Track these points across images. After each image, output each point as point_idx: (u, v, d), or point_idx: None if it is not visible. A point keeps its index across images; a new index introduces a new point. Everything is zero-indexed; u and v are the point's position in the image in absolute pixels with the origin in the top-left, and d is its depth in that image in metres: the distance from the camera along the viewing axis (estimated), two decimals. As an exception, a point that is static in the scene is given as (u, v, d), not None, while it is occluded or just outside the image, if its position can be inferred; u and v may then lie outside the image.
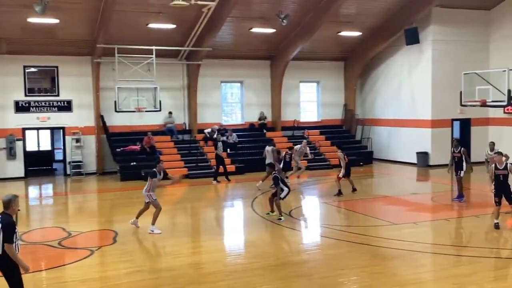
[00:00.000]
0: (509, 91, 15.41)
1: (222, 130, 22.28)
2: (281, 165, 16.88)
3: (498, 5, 21.87)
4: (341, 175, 15.65)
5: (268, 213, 12.77)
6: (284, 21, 19.44)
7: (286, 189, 12.40)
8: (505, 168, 10.98)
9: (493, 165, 11.16)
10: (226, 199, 16.77)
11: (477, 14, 22.02)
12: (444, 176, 17.60)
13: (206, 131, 22.11)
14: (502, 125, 21.88)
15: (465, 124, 22.65)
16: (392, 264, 8.97)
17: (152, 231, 11.19)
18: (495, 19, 22.05)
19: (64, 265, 9.26)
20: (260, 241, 10.78)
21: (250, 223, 12.72)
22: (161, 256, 9.90)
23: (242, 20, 20.38)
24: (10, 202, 6.21)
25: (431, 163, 21.98)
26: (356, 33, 22.61)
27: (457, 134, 23.19)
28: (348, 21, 21.51)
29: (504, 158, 11.34)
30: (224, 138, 21.66)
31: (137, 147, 20.88)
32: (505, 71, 15.77)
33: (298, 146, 19.00)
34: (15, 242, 6.12)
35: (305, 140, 19.88)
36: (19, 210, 6.59)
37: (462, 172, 14.40)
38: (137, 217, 11.72)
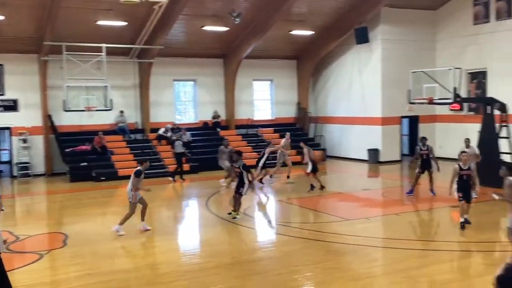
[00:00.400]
0: (454, 88, 15.99)
1: (176, 129, 22.06)
2: (261, 163, 17.10)
3: (443, 5, 22.62)
4: (308, 170, 15.79)
5: (231, 213, 12.45)
6: (236, 19, 19.43)
7: (246, 184, 12.30)
8: (469, 168, 10.79)
9: (457, 165, 10.74)
10: (181, 199, 16.62)
11: (424, 14, 22.72)
12: (393, 172, 18.06)
13: (160, 130, 21.85)
14: (449, 122, 22.66)
15: (414, 121, 23.34)
16: (346, 259, 9.13)
17: (118, 230, 10.95)
18: (441, 19, 22.80)
19: (12, 270, 8.91)
20: (215, 240, 10.74)
21: (205, 222, 12.65)
22: (114, 258, 9.68)
23: (194, 18, 20.23)
24: None
25: (381, 159, 22.52)
26: (308, 32, 22.87)
27: (406, 131, 23.90)
28: (299, 20, 21.73)
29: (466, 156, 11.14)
30: (175, 137, 21.48)
31: (87, 147, 20.38)
32: (450, 69, 16.36)
33: (284, 140, 18.88)
34: None
35: (288, 133, 19.64)
36: (2, 210, 6.26)
37: (433, 169, 14.39)
38: (142, 220, 11.42)
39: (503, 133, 15.77)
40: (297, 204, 14.42)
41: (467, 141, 14.08)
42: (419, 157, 14.62)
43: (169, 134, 21.63)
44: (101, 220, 13.22)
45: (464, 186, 10.75)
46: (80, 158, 19.90)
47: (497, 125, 15.97)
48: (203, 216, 13.50)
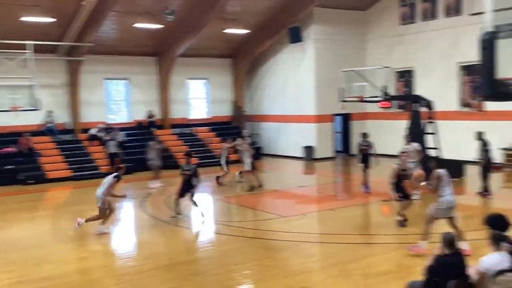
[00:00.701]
0: (384, 87, 16.55)
1: (109, 129, 21.44)
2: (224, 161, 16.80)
3: (372, 6, 23.37)
4: (247, 168, 15.72)
5: (175, 216, 12.10)
6: (170, 17, 19.15)
7: (196, 187, 12.12)
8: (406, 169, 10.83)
9: (397, 165, 10.68)
10: (115, 200, 16.10)
11: (355, 14, 23.37)
12: (328, 168, 18.44)
13: (92, 130, 21.17)
14: (379, 119, 23.44)
15: (346, 119, 23.96)
16: (283, 256, 9.22)
17: (102, 232, 10.77)
18: (370, 19, 23.55)
19: None
20: (152, 241, 10.53)
21: (141, 224, 12.38)
22: (46, 264, 9.24)
23: (126, 15, 19.74)
24: None
25: (316, 156, 22.96)
26: (242, 31, 22.94)
27: (339, 129, 24.50)
28: (234, 18, 21.74)
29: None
30: (108, 137, 20.90)
31: (13, 149, 19.39)
32: (380, 68, 16.94)
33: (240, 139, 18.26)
34: None
35: (245, 131, 19.40)
36: None
37: (370, 164, 14.73)
38: (102, 224, 10.98)
39: (429, 129, 16.49)
40: (235, 202, 14.41)
41: (408, 137, 13.97)
42: (359, 152, 14.93)
43: (101, 134, 21.00)
44: (30, 225, 12.60)
45: (403, 186, 10.79)
46: (5, 160, 18.92)
47: (423, 121, 16.68)
48: (139, 217, 13.20)
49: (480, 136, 13.99)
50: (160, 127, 23.51)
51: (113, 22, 20.11)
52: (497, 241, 5.79)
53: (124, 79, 23.43)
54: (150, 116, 23.34)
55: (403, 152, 11.49)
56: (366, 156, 14.78)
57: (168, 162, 19.38)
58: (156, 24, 20.49)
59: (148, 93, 23.58)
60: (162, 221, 12.12)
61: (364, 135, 15.07)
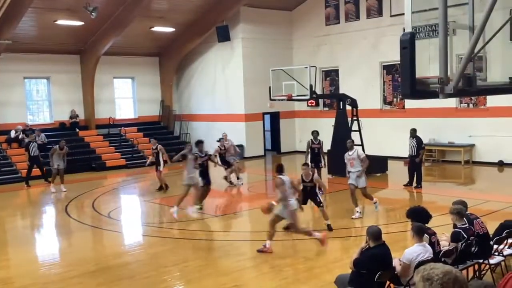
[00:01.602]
0: (311, 86, 16.90)
1: (28, 131, 20.42)
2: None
3: (298, 6, 23.81)
4: (162, 168, 15.40)
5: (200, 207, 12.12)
6: (92, 13, 18.51)
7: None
8: (311, 180, 10.41)
9: (300, 178, 10.38)
10: (37, 205, 15.40)
11: (281, 14, 23.69)
12: (258, 167, 18.58)
13: (12, 133, 20.07)
14: (306, 117, 23.94)
15: (275, 117, 24.27)
16: (215, 255, 9.19)
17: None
18: (296, 20, 23.97)
19: None
20: (77, 247, 10.14)
21: (65, 229, 11.88)
22: (-41, 277, 8.67)
23: (46, 11, 18.85)
24: None
25: (246, 155, 23.08)
26: (169, 29, 22.61)
27: (268, 127, 24.77)
28: (160, 16, 21.38)
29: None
30: (27, 139, 19.92)
31: None
32: (306, 67, 17.27)
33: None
34: None
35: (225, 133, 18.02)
36: None
37: (322, 164, 14.22)
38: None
39: (355, 126, 17.05)
40: (164, 203, 14.17)
41: (350, 142, 12.01)
42: (310, 151, 14.32)
43: (20, 136, 19.97)
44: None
45: (306, 198, 10.39)
46: None
47: (349, 119, 17.22)
48: (63, 222, 12.65)
49: (415, 133, 14.66)
50: (84, 127, 22.69)
51: (32, 18, 19.15)
52: (419, 233, 6.07)
53: (45, 78, 22.39)
54: (73, 116, 22.46)
55: (303, 165, 10.91)
56: (317, 155, 14.26)
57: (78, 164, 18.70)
58: (78, 21, 19.74)
59: (71, 92, 22.66)
60: (87, 225, 11.70)
61: (315, 133, 14.46)
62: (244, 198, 15.14)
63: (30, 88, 22.48)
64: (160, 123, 25.19)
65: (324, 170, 15.20)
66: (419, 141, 14.54)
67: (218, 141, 17.04)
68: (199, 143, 13.33)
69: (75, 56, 22.63)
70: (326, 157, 14.69)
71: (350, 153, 11.46)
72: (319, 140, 14.41)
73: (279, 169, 9.18)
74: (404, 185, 14.68)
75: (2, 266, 9.18)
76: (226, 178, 16.18)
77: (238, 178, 16.48)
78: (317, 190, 10.68)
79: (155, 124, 24.97)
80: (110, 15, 20.29)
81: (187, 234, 10.61)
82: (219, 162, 15.62)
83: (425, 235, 6.25)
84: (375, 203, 11.54)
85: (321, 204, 10.46)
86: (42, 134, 20.44)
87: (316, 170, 13.45)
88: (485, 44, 4.61)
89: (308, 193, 10.45)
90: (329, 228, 10.28)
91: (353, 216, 11.18)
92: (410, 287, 5.71)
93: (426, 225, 6.55)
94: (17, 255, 9.76)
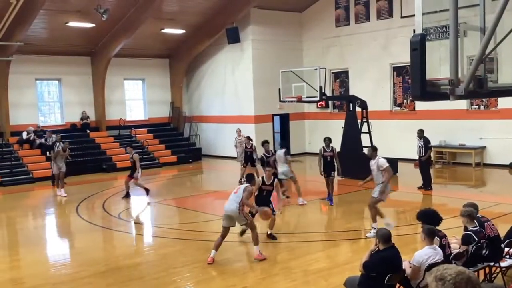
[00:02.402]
0: (320, 87, 16.89)
1: (40, 132, 20.59)
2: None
3: (308, 8, 23.79)
4: (139, 176, 14.95)
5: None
6: (103, 15, 18.62)
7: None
8: (272, 184, 10.01)
9: (260, 179, 10.11)
10: (47, 206, 15.50)
11: (291, 16, 23.69)
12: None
13: (24, 134, 20.25)
14: (316, 119, 23.90)
15: (285, 119, 24.25)
16: (223, 257, 9.17)
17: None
18: (306, 21, 23.96)
19: None
20: (88, 248, 10.19)
21: (76, 230, 11.95)
22: (-29, 276, 8.76)
23: (57, 13, 19.00)
24: None
25: (255, 156, 23.02)
26: (180, 31, 22.69)
27: (277, 128, 24.75)
28: (170, 18, 21.46)
29: None
30: (42, 140, 20.09)
31: None
32: (316, 69, 17.26)
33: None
34: None
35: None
36: None
37: (334, 173, 13.00)
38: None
39: (365, 128, 16.99)
40: (173, 204, 14.21)
41: (370, 150, 10.63)
42: (322, 160, 12.99)
43: (32, 137, 20.15)
44: None
45: (263, 202, 9.89)
46: None
47: (359, 121, 17.17)
48: (74, 223, 12.74)
49: (422, 134, 14.59)
50: (95, 129, 22.83)
51: (44, 20, 19.32)
52: (429, 235, 6.04)
53: (56, 79, 22.57)
54: (84, 117, 22.61)
55: (267, 167, 10.80)
56: (330, 163, 12.87)
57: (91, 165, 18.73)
58: (89, 23, 19.88)
59: (82, 94, 22.82)
60: (98, 226, 11.77)
61: (327, 140, 13.18)
62: (252, 200, 15.11)
63: (41, 90, 22.66)
64: (170, 125, 25.28)
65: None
66: (426, 141, 14.46)
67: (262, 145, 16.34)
68: (265, 143, 14.04)
69: (86, 57, 22.79)
70: (339, 165, 13.09)
71: (372, 162, 10.17)
72: (332, 148, 13.03)
73: (249, 179, 9.52)
74: (418, 188, 14.58)
75: (13, 266, 9.27)
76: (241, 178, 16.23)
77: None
78: (281, 195, 10.85)
79: (165, 125, 25.06)
80: (121, 17, 20.42)
81: (196, 235, 10.63)
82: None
83: (436, 237, 6.22)
84: (373, 228, 9.81)
85: (274, 212, 9.92)
86: (53, 135, 20.60)
87: (327, 180, 12.95)
88: (496, 45, 4.58)
89: (264, 197, 9.93)
90: (271, 237, 9.91)
91: (368, 234, 10.03)
92: (420, 290, 5.67)
93: (437, 227, 6.52)
94: (28, 256, 9.83)
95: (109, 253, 9.95)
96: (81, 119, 22.57)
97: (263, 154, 14.01)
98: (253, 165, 16.41)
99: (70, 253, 10.24)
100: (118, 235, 11.12)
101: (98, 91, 22.90)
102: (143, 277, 8.26)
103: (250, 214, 9.43)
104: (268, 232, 10.02)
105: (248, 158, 16.56)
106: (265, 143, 14.12)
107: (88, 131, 22.29)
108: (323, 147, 13.08)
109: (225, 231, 8.84)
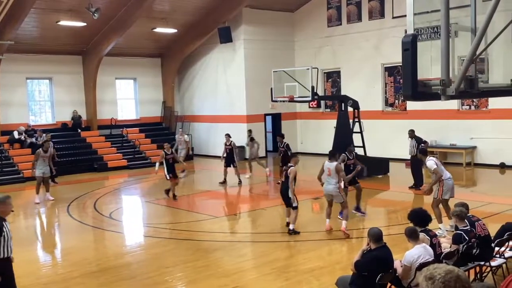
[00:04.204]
0: (312, 87, 16.90)
1: (30, 131, 20.45)
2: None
3: (299, 8, 23.82)
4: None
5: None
6: (95, 14, 18.53)
7: None
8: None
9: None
10: (39, 206, 15.39)
11: (283, 15, 23.70)
12: (260, 168, 18.55)
13: (15, 133, 20.11)
14: (308, 119, 23.94)
15: (276, 119, 24.26)
16: (215, 256, 9.18)
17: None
18: (298, 21, 23.98)
19: None
20: (79, 247, 10.14)
21: (67, 230, 11.89)
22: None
23: (48, 12, 18.88)
24: None
25: (247, 156, 23.03)
26: (171, 30, 22.62)
27: (269, 128, 24.78)
28: (162, 17, 21.40)
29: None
30: (33, 139, 19.96)
31: None
32: (308, 69, 17.27)
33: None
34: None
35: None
36: (12, 211, 6.17)
37: (358, 184, 11.70)
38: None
39: (356, 128, 17.04)
40: (165, 204, 14.17)
41: (420, 153, 10.88)
42: (344, 167, 11.27)
43: (23, 137, 20.01)
44: None
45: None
46: None
47: (351, 121, 17.21)
48: (64, 223, 12.67)
49: (413, 133, 14.63)
50: (87, 128, 22.72)
51: (35, 19, 19.19)
52: (411, 236, 6.09)
53: (47, 78, 22.43)
54: (75, 117, 22.48)
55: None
56: (351, 171, 11.46)
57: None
58: (81, 22, 19.76)
59: (73, 93, 22.69)
60: (90, 226, 11.71)
61: (353, 147, 12.47)
62: (245, 199, 15.14)
63: (32, 89, 22.52)
64: (162, 124, 25.21)
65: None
66: (418, 139, 14.50)
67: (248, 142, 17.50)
68: (250, 137, 15.76)
69: (77, 57, 22.67)
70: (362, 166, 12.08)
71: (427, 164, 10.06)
72: (353, 154, 12.04)
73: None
74: (409, 187, 14.63)
75: (3, 266, 9.19)
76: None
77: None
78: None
79: (157, 125, 25.00)
80: (113, 16, 20.33)
81: (188, 235, 10.61)
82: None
83: (427, 236, 6.25)
84: (439, 229, 9.52)
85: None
86: (44, 135, 20.47)
87: (356, 188, 11.60)
88: (487, 46, 4.61)
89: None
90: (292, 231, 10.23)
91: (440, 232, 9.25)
92: (411, 289, 5.70)
93: (427, 227, 6.56)
94: (18, 255, 9.70)
95: (100, 253, 9.91)
96: (72, 118, 22.44)
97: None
98: (234, 165, 16.60)
99: (61, 253, 10.19)
100: (110, 235, 11.08)
101: (89, 90, 22.78)
102: (134, 277, 8.23)
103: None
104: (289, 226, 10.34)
105: (228, 156, 16.63)
106: (279, 136, 16.01)
107: (79, 131, 22.18)
108: (346, 154, 11.63)
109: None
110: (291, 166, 10.29)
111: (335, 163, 10.33)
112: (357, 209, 11.67)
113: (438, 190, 9.88)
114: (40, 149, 14.72)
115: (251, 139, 18.00)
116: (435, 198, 9.94)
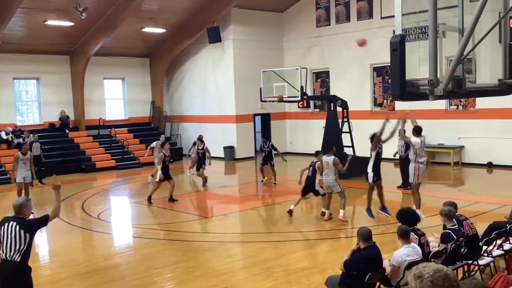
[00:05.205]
0: (301, 87, 16.95)
1: (17, 132, 20.26)
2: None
3: (288, 8, 23.84)
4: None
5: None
6: (82, 14, 18.40)
7: None
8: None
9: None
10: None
11: (272, 15, 23.70)
12: (249, 168, 18.55)
13: (2, 134, 19.92)
14: (297, 119, 23.97)
15: (266, 119, 24.27)
16: (205, 257, 9.16)
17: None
18: (287, 21, 24.00)
19: None
20: (67, 248, 10.06)
21: (55, 231, 11.77)
22: None
23: (35, 11, 18.72)
24: (21, 207, 5.78)
25: (237, 156, 23.06)
26: (160, 30, 22.54)
27: (259, 128, 24.77)
28: (151, 17, 21.32)
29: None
30: (20, 140, 19.77)
31: None
32: (297, 69, 17.31)
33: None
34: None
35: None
36: (32, 213, 6.24)
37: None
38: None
39: (345, 128, 17.09)
40: (155, 205, 14.10)
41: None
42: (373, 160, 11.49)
43: (10, 137, 19.81)
44: None
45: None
46: None
47: (340, 121, 17.27)
48: (52, 224, 12.51)
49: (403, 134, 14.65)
50: (75, 128, 22.56)
51: (22, 18, 19.01)
52: (402, 235, 6.11)
53: (35, 78, 22.24)
54: (63, 117, 22.30)
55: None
56: (379, 165, 11.38)
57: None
58: (68, 21, 19.61)
59: (60, 93, 22.51)
60: (78, 227, 11.63)
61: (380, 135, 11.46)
62: (234, 199, 15.13)
63: (19, 89, 22.32)
64: (150, 124, 25.11)
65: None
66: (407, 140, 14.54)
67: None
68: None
69: (65, 56, 22.50)
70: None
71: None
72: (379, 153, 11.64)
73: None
74: (397, 187, 14.70)
75: (-10, 268, 9.09)
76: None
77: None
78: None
79: (146, 125, 24.90)
80: (100, 16, 20.20)
81: (177, 235, 10.58)
82: None
83: (415, 236, 6.29)
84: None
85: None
86: (31, 135, 20.27)
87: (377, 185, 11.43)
88: (475, 46, 4.64)
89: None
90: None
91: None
92: (400, 288, 5.73)
93: (415, 226, 6.59)
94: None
95: (89, 254, 9.85)
96: (60, 119, 22.26)
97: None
98: (203, 168, 16.74)
99: (49, 254, 10.10)
100: (98, 236, 11.01)
101: (77, 91, 22.62)
102: (123, 278, 8.19)
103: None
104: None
105: (200, 160, 16.75)
106: (264, 137, 16.44)
107: (67, 131, 22.02)
108: (378, 144, 11.06)
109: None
110: (317, 161, 11.50)
111: (332, 157, 11.27)
112: (383, 208, 11.31)
113: (414, 174, 10.77)
114: (18, 152, 13.23)
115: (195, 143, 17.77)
116: (411, 183, 10.88)
